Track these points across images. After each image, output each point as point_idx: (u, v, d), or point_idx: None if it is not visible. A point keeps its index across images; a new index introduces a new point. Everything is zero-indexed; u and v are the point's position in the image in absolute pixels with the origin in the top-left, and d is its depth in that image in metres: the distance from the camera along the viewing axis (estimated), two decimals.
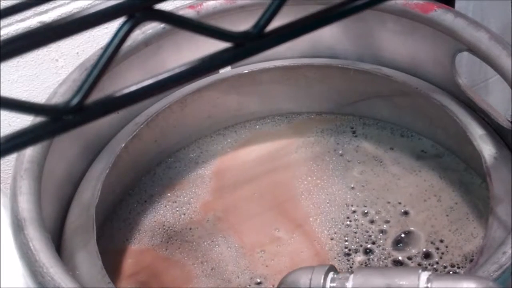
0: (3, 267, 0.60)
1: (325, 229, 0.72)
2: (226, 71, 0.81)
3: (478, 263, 0.56)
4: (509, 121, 0.68)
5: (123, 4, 0.24)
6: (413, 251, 0.68)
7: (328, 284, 0.51)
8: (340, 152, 0.80)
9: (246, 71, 0.81)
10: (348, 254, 0.69)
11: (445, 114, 0.71)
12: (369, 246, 0.69)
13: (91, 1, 0.77)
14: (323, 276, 0.52)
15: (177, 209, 0.76)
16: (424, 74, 0.77)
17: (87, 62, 0.71)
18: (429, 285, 0.48)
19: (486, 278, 0.50)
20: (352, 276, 0.51)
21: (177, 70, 0.26)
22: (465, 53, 0.70)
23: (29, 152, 0.63)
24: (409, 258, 0.68)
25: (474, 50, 0.67)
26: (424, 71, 0.77)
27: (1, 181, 0.78)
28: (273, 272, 0.68)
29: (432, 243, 0.69)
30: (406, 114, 0.80)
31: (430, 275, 0.48)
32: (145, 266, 0.71)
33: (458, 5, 0.90)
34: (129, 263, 0.71)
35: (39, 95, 0.81)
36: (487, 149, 0.66)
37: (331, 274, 0.52)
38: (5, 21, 0.72)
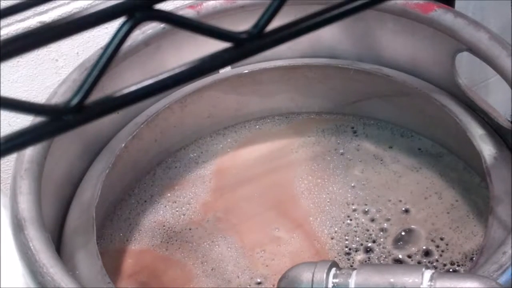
0: (3, 267, 0.60)
1: (326, 228, 0.72)
2: (226, 71, 0.81)
3: (478, 263, 0.56)
4: (509, 121, 0.68)
5: (123, 4, 0.24)
6: (413, 249, 0.68)
7: (330, 280, 0.51)
8: (341, 151, 0.80)
9: (246, 71, 0.81)
10: (349, 253, 0.69)
11: (445, 114, 0.71)
12: (369, 244, 0.69)
13: (91, 1, 0.77)
14: (325, 272, 0.51)
15: (177, 209, 0.76)
16: (424, 74, 0.77)
17: (87, 62, 0.71)
18: (432, 283, 0.48)
19: (490, 278, 0.50)
20: (355, 272, 0.51)
21: (177, 70, 0.26)
22: (465, 53, 0.70)
23: (29, 152, 0.63)
24: (409, 256, 0.68)
25: (474, 50, 0.67)
26: (424, 71, 0.77)
27: (1, 181, 0.78)
28: (273, 272, 0.68)
29: (432, 241, 0.69)
30: (406, 114, 0.80)
31: (433, 273, 0.48)
32: (145, 266, 0.71)
33: (458, 5, 0.90)
34: (129, 263, 0.71)
35: (39, 95, 0.81)
36: (487, 149, 0.66)
37: (333, 270, 0.52)
38: (5, 21, 0.72)
